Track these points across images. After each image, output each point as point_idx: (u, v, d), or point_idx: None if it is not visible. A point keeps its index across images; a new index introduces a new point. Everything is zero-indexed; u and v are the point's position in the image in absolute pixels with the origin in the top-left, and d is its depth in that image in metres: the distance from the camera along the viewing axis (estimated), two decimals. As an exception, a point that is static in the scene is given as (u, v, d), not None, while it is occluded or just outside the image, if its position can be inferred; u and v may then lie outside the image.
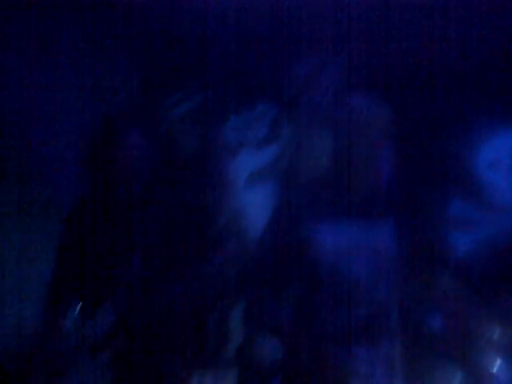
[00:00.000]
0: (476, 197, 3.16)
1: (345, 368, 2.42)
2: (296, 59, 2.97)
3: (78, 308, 2.68)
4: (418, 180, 2.94)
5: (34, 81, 2.81)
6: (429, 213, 2.79)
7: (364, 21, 2.85)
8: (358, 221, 2.57)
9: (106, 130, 2.85)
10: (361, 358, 2.40)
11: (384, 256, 2.52)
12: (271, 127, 2.97)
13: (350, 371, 2.39)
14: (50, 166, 2.78)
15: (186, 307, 2.58)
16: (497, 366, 2.66)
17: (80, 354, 2.60)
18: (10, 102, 2.78)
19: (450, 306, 2.60)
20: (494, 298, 2.68)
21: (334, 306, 2.47)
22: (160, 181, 2.84)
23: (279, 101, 2.97)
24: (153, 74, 2.91)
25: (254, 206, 2.84)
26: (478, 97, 3.09)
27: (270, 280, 2.58)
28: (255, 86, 2.94)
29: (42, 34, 2.82)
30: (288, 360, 2.47)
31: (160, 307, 2.59)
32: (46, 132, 2.81)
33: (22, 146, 2.80)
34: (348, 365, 2.42)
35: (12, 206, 2.74)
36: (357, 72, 2.92)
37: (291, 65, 2.99)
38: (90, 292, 2.63)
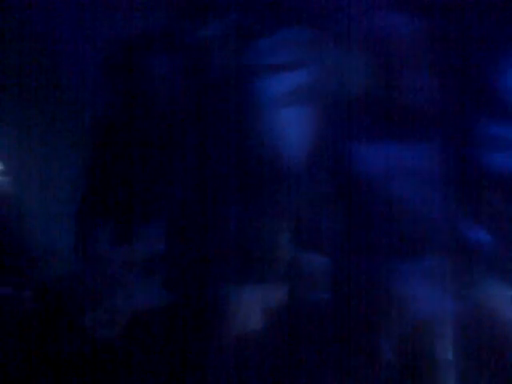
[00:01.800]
0: (508, 117, 3.12)
1: (392, 283, 2.35)
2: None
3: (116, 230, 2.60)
4: (460, 100, 2.89)
5: None
6: (471, 133, 2.76)
7: None
8: (400, 142, 2.53)
9: (130, 53, 2.79)
10: (407, 273, 2.34)
11: (429, 176, 2.47)
12: (300, 50, 2.92)
13: (397, 287, 2.33)
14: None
15: (232, 224, 2.51)
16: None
17: (126, 276, 2.53)
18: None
19: (497, 221, 2.55)
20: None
21: (382, 222, 2.42)
22: (188, 107, 2.78)
23: (310, 23, 2.92)
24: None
25: (287, 128, 2.77)
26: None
27: (310, 199, 2.51)
28: (283, 9, 2.89)
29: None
30: (336, 276, 2.39)
31: (201, 228, 2.51)
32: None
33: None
34: (395, 282, 2.35)
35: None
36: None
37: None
38: (126, 216, 2.55)
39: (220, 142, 2.68)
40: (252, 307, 2.52)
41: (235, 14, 2.89)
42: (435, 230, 2.31)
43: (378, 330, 2.28)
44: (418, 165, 2.54)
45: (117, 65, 2.77)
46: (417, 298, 2.29)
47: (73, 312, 2.55)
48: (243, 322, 2.52)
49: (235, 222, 2.50)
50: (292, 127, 2.73)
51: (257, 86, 2.86)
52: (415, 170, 2.55)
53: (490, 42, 3.05)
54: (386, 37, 2.70)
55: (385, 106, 2.60)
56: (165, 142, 2.65)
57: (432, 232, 2.29)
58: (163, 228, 2.56)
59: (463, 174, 2.61)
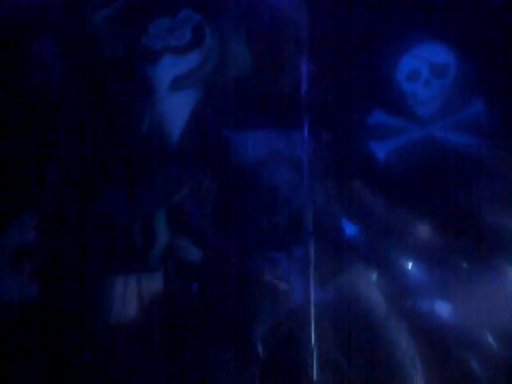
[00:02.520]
0: (395, 107, 3.23)
1: (261, 272, 2.47)
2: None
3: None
4: (336, 90, 2.98)
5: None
6: (347, 122, 2.84)
7: None
8: (274, 129, 2.58)
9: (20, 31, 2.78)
10: (277, 262, 2.45)
11: (300, 165, 2.55)
12: (194, 34, 2.95)
13: (272, 273, 2.45)
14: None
15: (117, 215, 2.57)
16: (411, 265, 2.79)
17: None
18: None
19: (367, 210, 2.68)
20: (412, 203, 2.78)
21: (256, 214, 2.52)
22: (81, 86, 2.80)
23: (202, 8, 2.95)
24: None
25: (177, 110, 2.83)
26: (396, 9, 3.13)
27: (190, 182, 2.58)
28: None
29: None
30: (208, 266, 2.51)
31: (90, 216, 2.57)
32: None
33: None
34: (265, 269, 2.47)
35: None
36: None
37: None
38: None
39: (103, 128, 2.72)
40: (127, 296, 2.63)
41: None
42: (305, 218, 2.41)
43: (248, 317, 2.42)
44: (291, 153, 2.62)
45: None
46: (286, 286, 2.43)
47: None
48: (118, 312, 2.63)
49: (109, 211, 2.54)
50: (180, 112, 2.80)
51: (149, 69, 2.91)
52: (289, 158, 2.63)
53: (376, 36, 3.16)
54: (266, 27, 2.74)
55: (261, 94, 2.65)
56: (40, 129, 2.67)
57: (301, 221, 2.39)
58: (34, 219, 2.57)
59: (337, 163, 2.70)
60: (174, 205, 2.57)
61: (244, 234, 2.52)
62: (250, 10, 2.82)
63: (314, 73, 2.48)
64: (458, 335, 2.72)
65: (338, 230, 2.62)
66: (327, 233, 2.52)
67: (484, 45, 3.11)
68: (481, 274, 2.79)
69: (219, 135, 2.55)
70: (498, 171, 2.91)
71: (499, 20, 3.09)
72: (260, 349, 2.41)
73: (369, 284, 2.55)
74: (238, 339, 2.43)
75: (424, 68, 3.16)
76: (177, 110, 2.84)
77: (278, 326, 2.44)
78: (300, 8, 2.76)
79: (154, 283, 2.67)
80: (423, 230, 2.77)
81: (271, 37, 2.54)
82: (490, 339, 2.74)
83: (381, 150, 3.17)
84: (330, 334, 2.38)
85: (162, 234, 2.77)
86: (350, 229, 2.74)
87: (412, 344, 2.42)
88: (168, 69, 2.95)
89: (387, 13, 3.14)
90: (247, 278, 2.48)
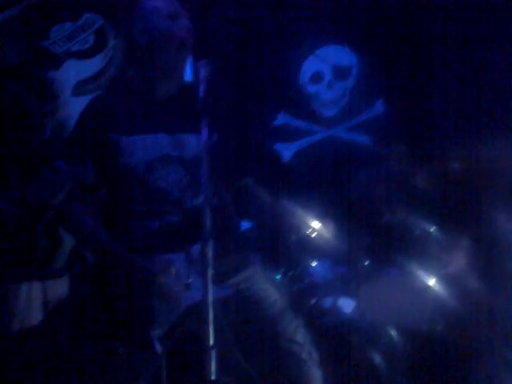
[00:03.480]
0: (300, 109, 3.29)
1: (154, 273, 2.50)
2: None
3: None
4: (237, 92, 3.01)
5: None
6: (248, 124, 2.88)
7: None
8: (165, 133, 2.61)
9: None
10: (170, 263, 2.49)
11: (193, 166, 2.58)
12: (97, 38, 2.95)
13: (165, 274, 2.48)
14: None
15: (15, 217, 2.56)
16: (314, 263, 2.85)
17: None
18: None
19: (264, 207, 2.72)
20: (314, 201, 2.84)
21: (145, 215, 2.55)
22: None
23: (104, 11, 2.95)
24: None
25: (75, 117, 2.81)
26: (299, 12, 3.19)
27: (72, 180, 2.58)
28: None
29: None
30: (102, 268, 2.52)
31: None
32: None
33: None
34: (164, 269, 2.50)
35: None
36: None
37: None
38: None
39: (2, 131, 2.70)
40: (32, 302, 2.63)
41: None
42: (201, 218, 2.43)
43: (145, 317, 2.44)
44: (183, 155, 2.63)
45: None
46: (182, 286, 2.47)
47: None
48: (23, 317, 2.62)
49: (4, 212, 2.51)
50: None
51: (52, 74, 2.90)
52: (181, 160, 2.65)
53: (278, 38, 3.21)
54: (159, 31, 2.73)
55: (154, 97, 2.65)
56: None
57: (197, 220, 2.41)
58: None
59: (236, 164, 2.73)
60: (61, 206, 2.56)
61: (134, 235, 2.55)
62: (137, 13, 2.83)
63: (212, 75, 2.50)
64: (361, 331, 2.79)
65: (236, 228, 2.66)
66: (225, 232, 2.56)
67: (385, 47, 3.20)
68: (381, 270, 2.87)
69: (107, 138, 2.57)
70: (394, 170, 3.00)
71: (399, 24, 3.18)
72: (159, 348, 2.44)
73: (267, 282, 2.60)
74: (135, 339, 2.45)
75: (327, 70, 3.22)
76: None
77: (177, 325, 2.48)
78: (196, 12, 2.79)
79: (60, 287, 2.68)
80: (325, 228, 2.84)
81: (165, 39, 2.56)
82: (393, 334, 2.82)
83: (287, 151, 3.23)
84: (228, 333, 2.43)
85: (68, 237, 2.77)
86: (250, 228, 2.79)
87: (309, 339, 2.49)
88: (71, 74, 2.93)
89: (290, 15, 3.20)
90: (140, 279, 2.50)
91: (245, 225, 2.80)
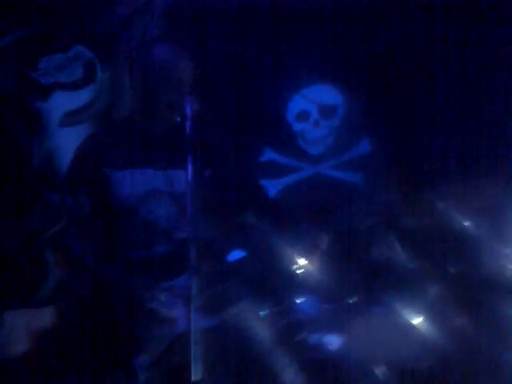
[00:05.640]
0: (286, 146, 3.30)
1: (147, 299, 2.51)
2: (110, 5, 2.98)
3: None
4: (224, 128, 3.03)
5: None
6: (235, 160, 2.90)
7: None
8: (153, 168, 2.65)
9: None
10: (163, 289, 2.50)
11: (181, 201, 2.61)
12: (85, 70, 2.96)
13: (152, 300, 2.48)
14: None
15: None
16: (302, 299, 2.83)
17: None
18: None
19: (255, 241, 2.75)
20: (300, 235, 2.84)
21: (134, 245, 2.58)
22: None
23: (94, 44, 2.97)
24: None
25: (67, 146, 2.82)
26: (290, 48, 3.22)
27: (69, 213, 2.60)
28: (70, 29, 2.92)
29: None
30: (95, 296, 2.52)
31: None
32: None
33: None
34: (151, 297, 2.51)
35: None
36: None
37: (107, 9, 2.99)
38: None
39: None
40: (16, 330, 2.59)
41: (23, 31, 2.90)
42: (187, 250, 2.45)
43: (130, 345, 2.43)
44: (171, 190, 2.67)
45: None
46: (169, 313, 2.47)
47: None
48: (7, 345, 2.58)
49: None
50: (69, 148, 2.79)
51: (40, 104, 2.90)
52: (169, 194, 2.69)
53: (265, 76, 3.24)
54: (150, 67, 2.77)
55: (143, 133, 2.69)
56: None
57: (184, 252, 2.43)
58: None
59: (222, 199, 2.76)
60: (56, 237, 2.57)
61: (124, 264, 2.56)
62: (135, 51, 2.88)
63: (199, 112, 2.53)
64: (349, 367, 2.77)
65: (223, 261, 2.68)
66: (211, 264, 2.57)
67: (370, 87, 3.23)
68: (368, 308, 2.85)
69: (99, 172, 2.61)
70: (380, 207, 3.01)
71: (383, 64, 3.23)
72: (142, 378, 2.41)
73: (256, 318, 2.59)
74: (119, 368, 2.43)
75: (313, 108, 3.25)
76: (67, 145, 2.83)
77: (163, 355, 2.46)
78: (185, 50, 2.82)
79: (45, 316, 2.64)
80: (311, 265, 2.83)
81: (154, 77, 2.59)
82: (380, 372, 2.80)
83: (272, 188, 3.23)
84: (213, 365, 2.41)
85: (56, 266, 2.75)
86: (238, 262, 2.79)
87: (299, 376, 2.47)
88: (59, 104, 2.94)
89: (277, 54, 3.23)
90: (128, 306, 2.49)
91: (237, 254, 2.80)
